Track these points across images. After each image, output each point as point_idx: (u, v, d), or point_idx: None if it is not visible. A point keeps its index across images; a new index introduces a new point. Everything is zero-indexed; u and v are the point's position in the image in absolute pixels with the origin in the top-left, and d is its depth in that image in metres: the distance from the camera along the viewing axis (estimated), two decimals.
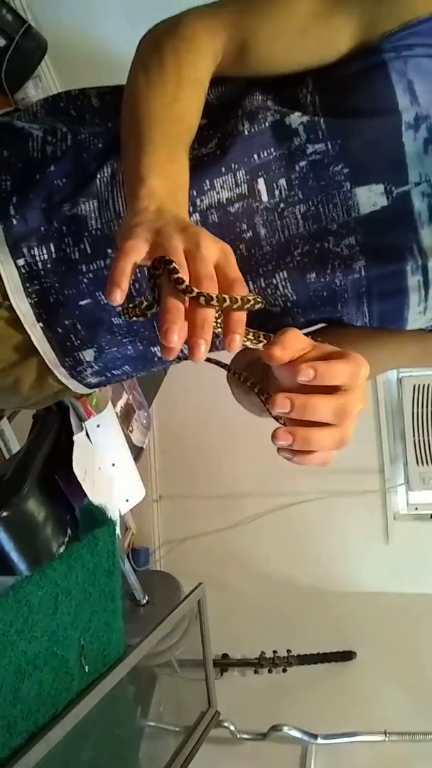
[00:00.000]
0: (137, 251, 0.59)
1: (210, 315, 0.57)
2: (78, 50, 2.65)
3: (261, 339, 0.65)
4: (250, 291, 0.65)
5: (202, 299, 0.56)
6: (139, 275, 0.84)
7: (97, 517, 1.19)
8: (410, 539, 3.03)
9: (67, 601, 1.04)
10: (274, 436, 0.58)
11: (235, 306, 0.58)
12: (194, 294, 0.56)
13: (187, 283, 0.57)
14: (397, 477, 3.06)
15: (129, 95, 0.80)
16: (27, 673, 0.96)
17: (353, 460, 2.99)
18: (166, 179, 0.70)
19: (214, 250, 0.60)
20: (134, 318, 0.64)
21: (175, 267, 0.57)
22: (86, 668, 1.11)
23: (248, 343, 0.65)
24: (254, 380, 0.81)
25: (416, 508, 3.08)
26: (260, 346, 0.64)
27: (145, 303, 0.63)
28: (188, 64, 0.79)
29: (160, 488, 3.36)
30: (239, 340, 0.58)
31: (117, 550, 1.15)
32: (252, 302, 0.60)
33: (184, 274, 0.58)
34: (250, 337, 0.65)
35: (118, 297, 0.56)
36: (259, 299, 0.61)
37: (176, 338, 0.55)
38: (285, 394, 0.58)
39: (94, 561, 1.10)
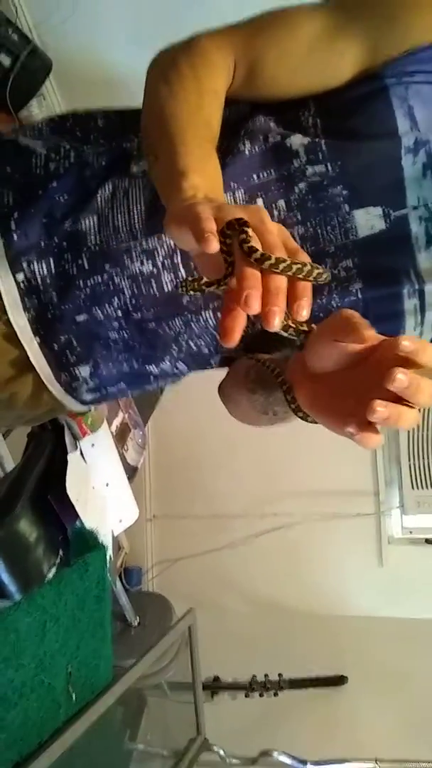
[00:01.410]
0: (210, 219, 0.58)
1: (283, 282, 0.57)
2: (82, 70, 2.67)
3: (302, 326, 0.63)
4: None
5: (282, 265, 0.56)
6: (178, 261, 0.84)
7: (88, 541, 1.18)
8: (404, 563, 3.02)
9: (56, 627, 1.03)
10: (371, 409, 0.53)
11: (313, 274, 0.58)
12: (273, 260, 0.55)
13: (261, 251, 0.56)
14: (392, 500, 3.05)
15: (153, 105, 0.81)
16: (12, 702, 0.95)
17: (348, 482, 2.98)
18: (205, 176, 0.70)
19: (275, 224, 0.61)
20: (191, 292, 0.64)
21: (246, 237, 0.57)
22: (73, 696, 1.10)
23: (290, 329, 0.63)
24: (283, 376, 0.77)
25: (411, 532, 3.06)
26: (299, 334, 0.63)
27: (205, 279, 0.62)
28: (206, 76, 0.81)
29: (154, 508, 3.34)
30: (308, 307, 0.58)
31: (107, 576, 1.14)
32: (325, 273, 0.59)
33: (255, 243, 0.57)
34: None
35: (215, 244, 0.56)
36: (325, 271, 0.61)
37: (257, 305, 0.54)
38: (383, 403, 0.53)
39: (84, 586, 1.09)
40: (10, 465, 2.55)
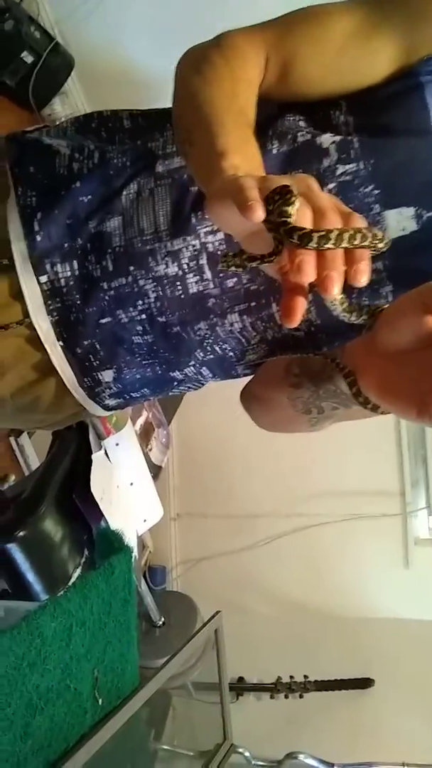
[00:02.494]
0: (254, 188, 0.55)
1: (339, 252, 0.54)
2: (104, 68, 2.67)
3: (362, 234, 0.56)
4: None
5: (347, 236, 0.52)
6: (204, 263, 0.82)
7: (113, 543, 1.17)
8: (431, 565, 2.97)
9: (82, 632, 1.01)
10: None
11: (368, 240, 0.54)
12: (333, 237, 0.52)
13: (311, 232, 0.53)
14: (418, 501, 3.00)
15: (185, 95, 0.79)
16: (39, 707, 0.94)
17: (374, 482, 2.95)
18: (246, 157, 0.68)
19: (323, 192, 0.59)
20: (233, 268, 0.62)
21: (286, 211, 0.53)
22: (100, 701, 1.08)
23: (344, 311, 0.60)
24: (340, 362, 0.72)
25: None
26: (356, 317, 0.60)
27: (247, 254, 0.60)
28: (239, 67, 0.79)
29: (178, 506, 3.34)
30: (367, 272, 0.55)
31: (133, 579, 1.13)
32: (383, 238, 0.56)
33: (303, 219, 0.54)
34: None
35: (261, 212, 0.53)
36: (384, 236, 0.57)
37: (311, 270, 0.52)
38: None
39: (110, 590, 1.08)
40: (35, 463, 2.56)
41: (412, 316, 0.55)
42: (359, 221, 0.56)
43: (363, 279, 0.55)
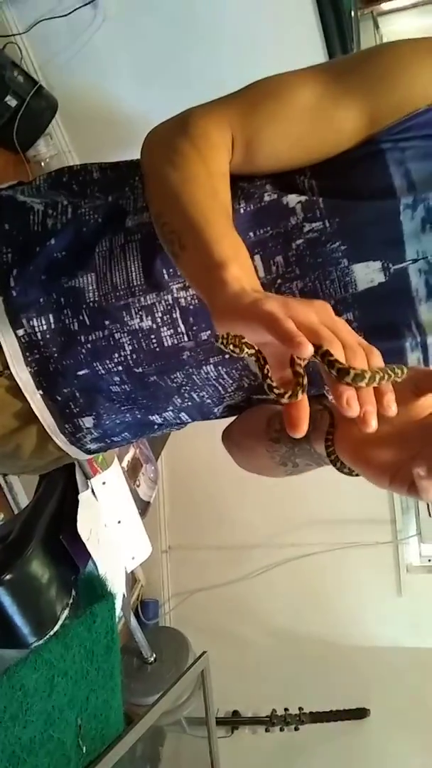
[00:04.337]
0: (290, 320, 0.57)
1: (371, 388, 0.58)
2: (87, 109, 2.71)
3: (389, 374, 0.61)
4: None
5: (378, 377, 0.57)
6: (177, 316, 0.84)
7: (96, 589, 1.17)
8: (424, 592, 2.97)
9: (64, 681, 1.02)
10: None
11: (394, 377, 0.59)
12: (366, 379, 0.56)
13: (346, 366, 0.56)
14: (409, 528, 3.01)
15: (165, 192, 0.78)
16: (21, 759, 0.94)
17: (365, 510, 2.95)
18: (242, 265, 0.69)
19: (342, 320, 0.61)
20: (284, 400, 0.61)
21: (328, 351, 0.56)
22: (84, 748, 1.08)
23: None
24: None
25: (429, 560, 3.02)
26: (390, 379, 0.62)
27: (277, 390, 0.60)
28: (211, 158, 0.79)
29: (170, 539, 3.32)
30: (394, 401, 0.58)
31: (116, 626, 1.13)
32: (403, 371, 0.60)
33: (337, 353, 0.57)
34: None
35: (310, 349, 0.54)
36: (405, 367, 0.61)
37: (357, 407, 0.55)
38: None
39: (92, 638, 1.08)
40: (23, 500, 2.56)
41: (406, 394, 0.60)
42: (377, 354, 0.60)
43: (393, 408, 0.58)
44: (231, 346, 0.60)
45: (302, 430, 0.56)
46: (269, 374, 0.60)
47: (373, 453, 0.62)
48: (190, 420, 0.97)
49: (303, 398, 0.57)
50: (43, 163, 2.77)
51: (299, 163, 0.83)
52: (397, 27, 2.67)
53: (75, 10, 2.50)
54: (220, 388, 0.90)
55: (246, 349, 0.60)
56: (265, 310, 0.57)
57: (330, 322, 0.59)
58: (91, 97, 2.68)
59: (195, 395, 0.90)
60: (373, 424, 0.56)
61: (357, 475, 0.67)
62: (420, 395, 0.61)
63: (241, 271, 0.67)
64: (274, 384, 0.59)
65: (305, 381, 0.58)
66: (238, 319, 0.60)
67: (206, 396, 0.91)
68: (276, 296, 0.61)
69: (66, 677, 1.03)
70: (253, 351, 0.61)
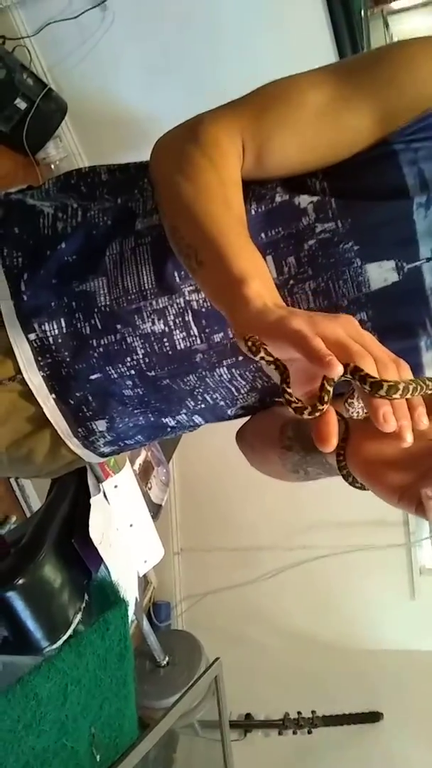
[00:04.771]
0: (319, 339, 0.56)
1: (404, 402, 0.58)
2: (97, 110, 2.71)
3: (422, 385, 0.60)
4: None
5: (411, 388, 0.56)
6: (190, 320, 0.84)
7: (109, 596, 1.16)
8: None
9: (77, 690, 1.01)
10: None
11: (425, 389, 0.59)
12: (401, 391, 0.56)
13: (378, 379, 0.56)
14: (422, 530, 2.99)
15: (179, 204, 0.77)
16: None
17: (376, 512, 2.93)
18: (262, 279, 0.68)
19: (368, 333, 0.60)
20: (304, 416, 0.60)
21: (357, 367, 0.56)
22: (97, 757, 1.08)
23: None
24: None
25: None
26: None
27: (298, 404, 0.60)
28: (224, 167, 0.78)
29: (181, 541, 3.32)
30: (426, 414, 0.59)
31: (128, 633, 1.12)
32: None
33: (368, 367, 0.56)
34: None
35: (339, 369, 0.54)
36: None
37: (394, 422, 0.55)
38: None
39: (105, 646, 1.07)
40: (36, 504, 2.56)
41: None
42: (406, 367, 0.60)
43: (425, 420, 0.58)
44: (262, 352, 0.60)
45: (332, 444, 0.56)
46: (289, 387, 0.59)
47: (383, 470, 0.63)
48: (203, 422, 0.96)
49: (331, 413, 0.57)
50: (52, 166, 2.77)
51: (311, 168, 0.82)
52: (407, 26, 2.66)
53: (84, 12, 2.50)
54: (233, 389, 0.89)
55: (271, 357, 0.60)
56: (292, 328, 0.57)
57: (357, 336, 0.59)
58: (100, 100, 2.68)
59: (208, 397, 0.90)
60: (408, 439, 0.56)
61: (367, 489, 0.67)
62: None
63: (263, 286, 0.66)
64: (293, 399, 0.59)
65: (329, 398, 0.57)
66: (264, 338, 0.60)
67: (219, 398, 0.90)
68: (301, 312, 0.60)
69: (79, 686, 1.02)
70: (277, 359, 0.60)
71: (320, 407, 0.57)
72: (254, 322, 0.61)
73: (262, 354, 0.60)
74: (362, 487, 0.68)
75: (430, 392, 0.59)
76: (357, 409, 0.65)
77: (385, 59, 0.79)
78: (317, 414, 0.57)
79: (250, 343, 0.60)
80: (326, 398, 0.57)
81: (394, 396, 0.55)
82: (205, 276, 0.73)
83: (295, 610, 3.10)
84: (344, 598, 3.04)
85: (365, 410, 0.62)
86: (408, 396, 0.57)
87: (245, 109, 0.81)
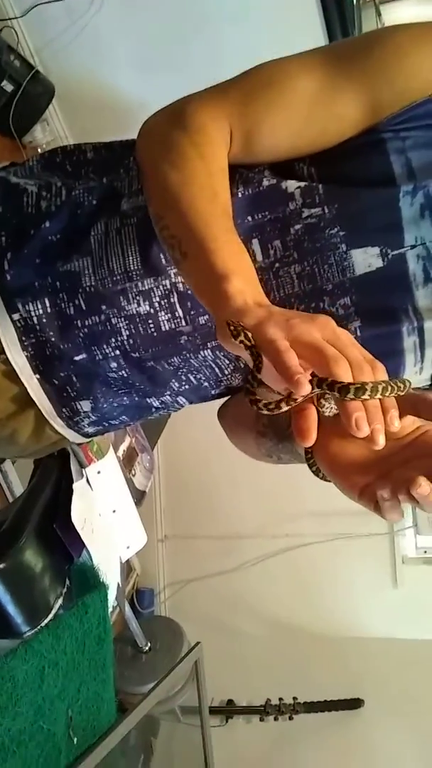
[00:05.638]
0: (291, 351, 0.57)
1: (378, 405, 0.58)
2: (85, 94, 2.68)
3: (392, 386, 0.61)
4: None
5: (381, 388, 0.57)
6: (175, 301, 0.84)
7: (89, 579, 1.16)
8: (419, 583, 2.97)
9: (54, 672, 1.01)
10: (416, 484, 0.55)
11: (397, 390, 0.59)
12: (369, 388, 0.56)
13: (348, 385, 0.56)
14: (405, 519, 3.00)
15: (164, 193, 0.77)
16: (11, 750, 0.93)
17: None
18: (244, 274, 0.69)
19: (346, 333, 0.61)
20: (265, 412, 0.62)
21: (323, 378, 0.57)
22: (74, 740, 1.08)
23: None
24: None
25: (425, 552, 3.03)
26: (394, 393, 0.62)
27: (264, 399, 0.62)
28: (211, 155, 0.77)
29: (165, 528, 3.33)
30: (398, 417, 0.59)
31: (108, 616, 1.12)
32: (407, 383, 0.61)
33: (342, 370, 0.57)
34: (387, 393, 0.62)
35: (306, 389, 0.55)
36: (408, 381, 0.62)
37: (367, 427, 0.56)
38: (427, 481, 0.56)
39: (84, 629, 1.07)
40: (18, 489, 2.55)
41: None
42: (382, 369, 0.60)
43: (397, 424, 0.59)
44: (242, 336, 0.61)
45: (311, 440, 0.58)
46: (256, 377, 0.61)
47: (347, 467, 0.65)
48: (187, 403, 0.97)
49: (311, 410, 0.58)
50: (39, 149, 2.74)
51: (299, 153, 0.82)
52: (399, 15, 2.65)
53: None
54: (217, 370, 0.89)
55: (249, 342, 0.61)
56: (266, 338, 0.58)
57: (333, 337, 0.59)
58: (88, 82, 2.66)
59: (192, 378, 0.90)
60: (380, 442, 0.57)
61: (326, 479, 0.69)
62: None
63: (244, 282, 0.67)
64: (253, 390, 0.61)
65: (291, 407, 0.59)
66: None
67: (203, 379, 0.91)
68: (278, 312, 0.62)
69: (57, 668, 1.02)
70: (253, 346, 0.61)
71: (278, 410, 0.59)
72: (233, 321, 0.62)
73: (242, 338, 0.60)
74: (328, 480, 0.70)
75: (401, 393, 0.60)
76: (330, 407, 0.66)
77: (376, 48, 0.78)
78: (273, 413, 0.59)
79: (232, 328, 0.61)
80: (289, 406, 0.59)
81: (362, 397, 0.56)
82: (188, 268, 0.73)
83: (278, 598, 3.12)
84: (327, 586, 3.06)
85: (337, 409, 0.62)
86: (378, 397, 0.57)
87: (233, 93, 0.80)
